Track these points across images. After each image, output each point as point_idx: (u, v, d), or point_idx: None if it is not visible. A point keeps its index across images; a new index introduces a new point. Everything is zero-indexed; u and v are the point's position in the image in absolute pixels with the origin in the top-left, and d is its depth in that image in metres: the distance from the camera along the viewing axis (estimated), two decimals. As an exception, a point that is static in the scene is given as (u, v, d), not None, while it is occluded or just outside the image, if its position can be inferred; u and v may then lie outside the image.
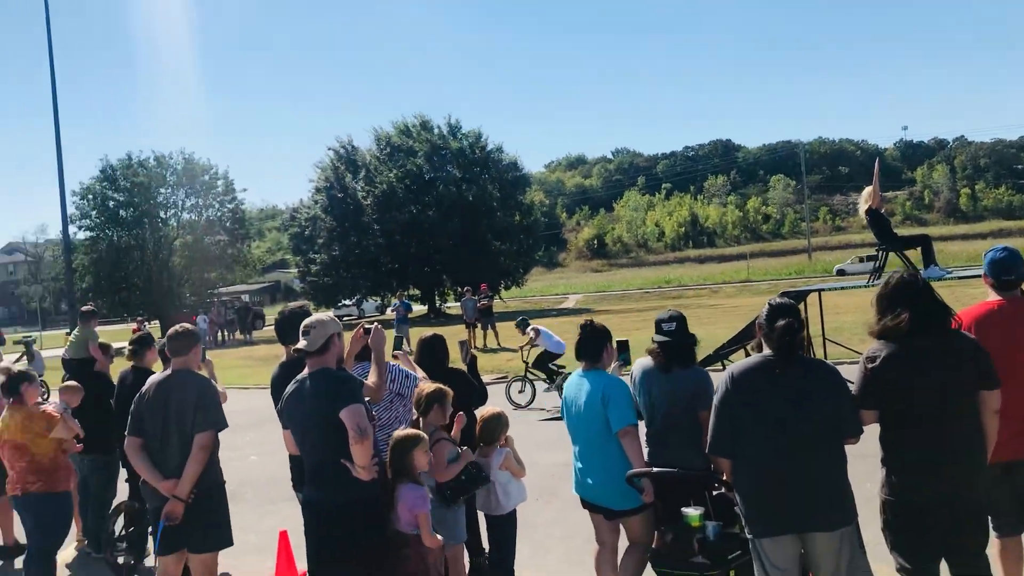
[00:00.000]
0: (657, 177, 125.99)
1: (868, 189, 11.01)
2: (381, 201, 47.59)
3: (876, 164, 12.34)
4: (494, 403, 6.34)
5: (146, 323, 37.45)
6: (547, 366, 14.19)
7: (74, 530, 7.42)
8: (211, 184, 52.71)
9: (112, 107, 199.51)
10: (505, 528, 5.57)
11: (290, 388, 4.68)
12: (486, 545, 5.89)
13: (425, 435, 4.88)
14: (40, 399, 6.31)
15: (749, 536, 3.94)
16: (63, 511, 6.12)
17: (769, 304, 4.06)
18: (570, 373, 13.79)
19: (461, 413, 5.45)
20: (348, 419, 4.31)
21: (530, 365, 14.39)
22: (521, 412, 13.42)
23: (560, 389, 13.50)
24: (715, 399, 4.05)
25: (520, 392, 14.36)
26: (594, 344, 5.09)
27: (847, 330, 16.92)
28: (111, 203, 50.32)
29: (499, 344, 23.94)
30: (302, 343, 4.59)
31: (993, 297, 4.52)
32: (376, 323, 5.36)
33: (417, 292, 49.58)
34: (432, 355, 6.10)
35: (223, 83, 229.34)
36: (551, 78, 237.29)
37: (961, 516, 3.83)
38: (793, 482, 3.79)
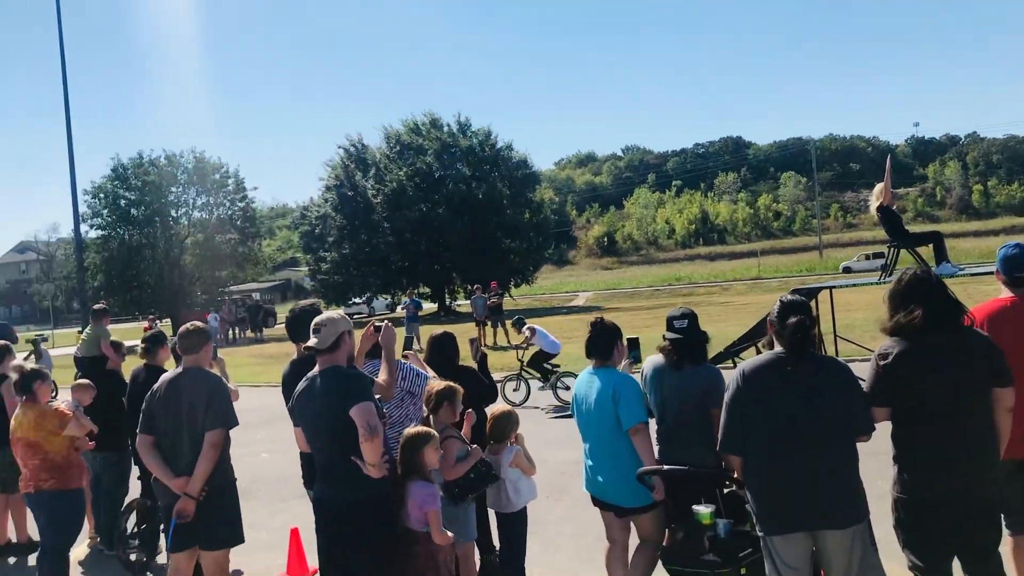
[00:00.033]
0: (667, 174, 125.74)
1: (879, 186, 10.97)
2: (391, 199, 47.64)
3: (888, 161, 12.30)
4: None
5: (157, 321, 37.61)
6: (542, 365, 14.28)
7: (87, 527, 7.45)
8: (222, 183, 52.87)
9: (123, 106, 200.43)
10: (515, 526, 5.57)
11: (301, 386, 4.69)
12: (496, 543, 5.89)
13: (436, 433, 4.88)
14: (49, 397, 6.34)
15: (760, 534, 3.93)
16: (76, 508, 6.15)
17: (780, 301, 4.04)
18: (564, 372, 13.88)
19: (470, 411, 5.45)
20: (358, 417, 4.32)
21: (525, 364, 14.48)
22: (532, 410, 13.40)
23: (555, 388, 13.63)
24: (726, 396, 4.04)
25: (515, 391, 14.43)
26: (604, 342, 5.09)
27: (858, 327, 16.86)
28: (122, 202, 50.53)
29: (509, 342, 23.92)
30: (313, 341, 4.60)
31: (1006, 294, 4.50)
32: (387, 321, 5.37)
33: (427, 290, 49.63)
34: (442, 353, 6.11)
35: (233, 82, 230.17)
36: (561, 75, 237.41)
37: (974, 514, 3.82)
38: (804, 480, 3.78)
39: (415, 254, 47.25)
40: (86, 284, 38.76)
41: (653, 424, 5.03)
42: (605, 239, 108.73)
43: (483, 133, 51.31)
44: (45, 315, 79.58)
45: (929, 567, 3.88)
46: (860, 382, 3.93)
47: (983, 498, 3.83)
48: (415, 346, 20.41)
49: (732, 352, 13.22)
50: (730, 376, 4.13)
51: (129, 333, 29.55)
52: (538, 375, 14.28)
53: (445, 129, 51.20)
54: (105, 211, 50.20)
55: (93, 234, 50.41)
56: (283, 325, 7.16)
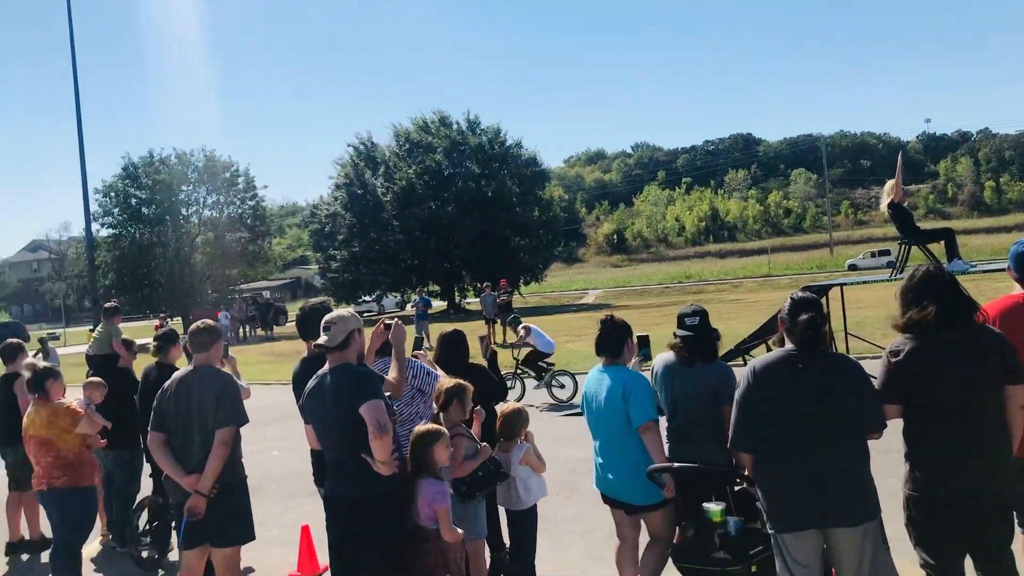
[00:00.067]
0: (677, 171, 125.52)
1: (890, 183, 10.92)
2: (400, 197, 47.73)
3: (899, 157, 12.26)
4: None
5: (168, 319, 37.75)
6: (536, 364, 14.39)
7: (99, 525, 7.49)
8: (232, 181, 53.02)
9: (133, 106, 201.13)
10: (526, 523, 5.57)
11: (311, 384, 4.71)
12: (507, 540, 5.90)
13: (445, 430, 4.89)
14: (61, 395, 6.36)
15: (771, 531, 3.92)
16: (88, 506, 6.18)
17: (791, 298, 4.03)
18: (559, 371, 13.90)
19: (479, 408, 5.45)
20: (367, 414, 4.33)
21: (520, 362, 14.57)
22: (542, 409, 13.41)
23: (549, 386, 13.67)
24: (737, 394, 4.02)
25: (510, 388, 14.47)
26: (614, 339, 5.08)
27: (869, 324, 16.80)
28: (133, 200, 50.74)
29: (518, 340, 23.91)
30: (323, 339, 4.61)
31: (1018, 291, 4.48)
32: (396, 319, 5.38)
33: (437, 288, 49.70)
34: (452, 350, 6.11)
35: (243, 82, 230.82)
36: (570, 73, 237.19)
37: (986, 511, 3.80)
38: (815, 477, 3.77)
39: (425, 252, 47.32)
40: (97, 282, 38.92)
41: (663, 422, 5.02)
42: (615, 237, 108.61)
43: (492, 131, 51.32)
44: (57, 313, 79.98)
45: (941, 565, 3.86)
46: (871, 379, 3.92)
47: (995, 495, 3.81)
48: (425, 344, 20.44)
49: (742, 350, 13.19)
50: (741, 374, 4.12)
51: (140, 331, 29.67)
52: (533, 373, 14.37)
53: (454, 127, 51.23)
54: (116, 210, 50.42)
55: (104, 233, 50.69)
56: (294, 323, 7.18)
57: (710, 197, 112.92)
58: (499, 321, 25.01)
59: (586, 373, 5.35)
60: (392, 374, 4.99)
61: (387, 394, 4.73)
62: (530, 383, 14.41)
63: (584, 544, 6.72)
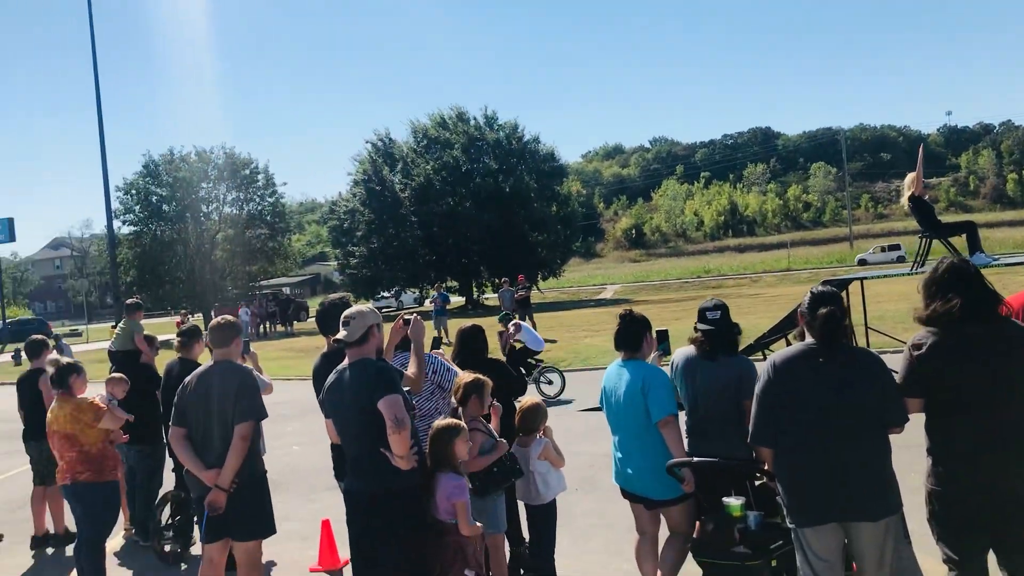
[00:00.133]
0: (696, 166, 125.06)
1: (911, 176, 10.82)
2: (418, 193, 47.83)
3: (920, 150, 12.14)
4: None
5: (190, 316, 38.00)
6: (526, 361, 14.42)
7: (122, 519, 7.57)
8: (252, 178, 53.22)
9: (154, 104, 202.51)
10: (545, 518, 5.58)
11: (331, 378, 4.73)
12: (526, 535, 5.91)
13: (465, 425, 4.90)
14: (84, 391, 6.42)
15: (791, 526, 3.91)
16: (111, 500, 6.24)
17: (811, 292, 4.02)
18: (546, 367, 13.90)
19: (497, 403, 5.45)
20: (386, 409, 4.34)
21: (507, 358, 14.61)
22: (562, 404, 13.42)
23: (537, 382, 13.71)
24: (757, 388, 4.01)
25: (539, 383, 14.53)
26: (633, 334, 5.07)
27: (889, 318, 16.69)
28: (154, 198, 51.04)
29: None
30: (342, 334, 4.63)
31: (1042, 283, 4.43)
32: (415, 314, 5.39)
33: (455, 284, 49.77)
34: (471, 345, 6.12)
35: (263, 80, 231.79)
36: (588, 68, 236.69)
37: (1010, 506, 3.76)
38: (836, 471, 3.76)
39: (443, 248, 47.42)
40: (119, 279, 39.28)
41: (682, 416, 5.01)
42: (633, 231, 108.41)
43: (510, 126, 51.32)
44: (79, 310, 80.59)
45: (964, 560, 3.83)
46: (892, 373, 3.90)
47: (1020, 490, 3.77)
48: (444, 341, 20.48)
49: (762, 344, 13.11)
50: (761, 368, 4.11)
51: (162, 327, 29.89)
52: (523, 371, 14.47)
53: (472, 123, 51.26)
54: (137, 207, 50.72)
55: (125, 230, 51.01)
56: (314, 319, 7.22)
57: (729, 191, 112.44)
58: (517, 316, 25.01)
59: (605, 368, 5.34)
60: (411, 369, 5.00)
61: (406, 389, 4.74)
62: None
63: (603, 539, 6.72)
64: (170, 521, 7.12)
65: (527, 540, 5.90)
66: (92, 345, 39.14)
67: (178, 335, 7.26)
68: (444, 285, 41.21)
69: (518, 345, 14.52)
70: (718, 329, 4.90)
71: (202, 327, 6.86)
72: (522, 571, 5.93)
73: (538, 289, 48.57)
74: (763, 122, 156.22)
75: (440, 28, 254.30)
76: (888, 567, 3.84)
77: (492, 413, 5.40)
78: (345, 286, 52.30)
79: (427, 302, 42.95)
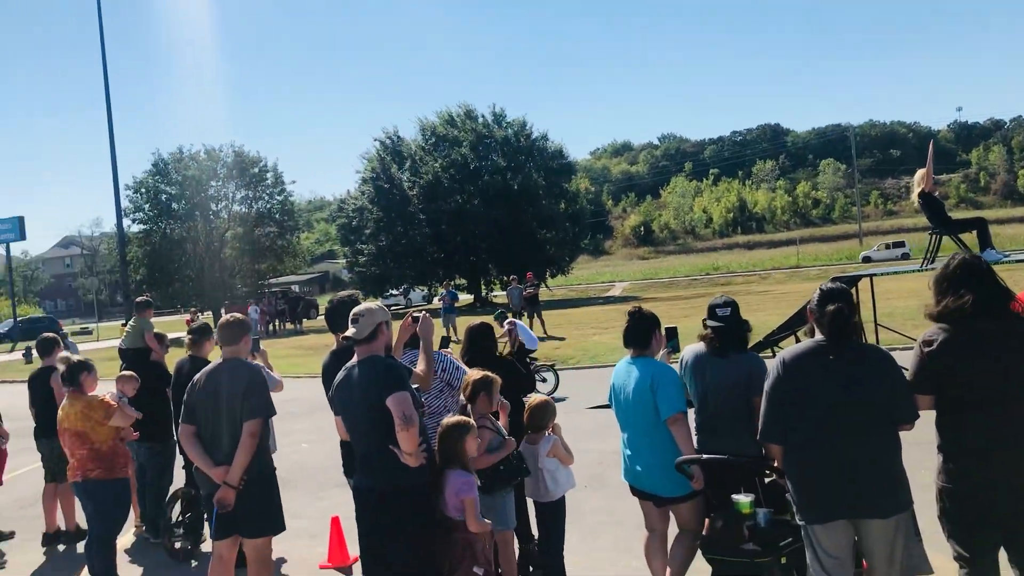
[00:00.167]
0: (704, 162, 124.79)
1: (921, 172, 10.77)
2: (427, 191, 47.84)
3: (930, 146, 12.08)
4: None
5: (199, 314, 38.14)
6: (523, 359, 14.45)
7: (133, 516, 7.60)
8: (261, 176, 53.38)
9: (163, 103, 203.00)
10: (554, 515, 5.58)
11: (339, 375, 4.74)
12: (535, 532, 5.91)
13: (474, 423, 4.91)
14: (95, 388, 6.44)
15: (801, 523, 3.91)
16: (121, 497, 6.26)
17: (820, 289, 4.01)
18: (540, 365, 13.90)
19: (504, 401, 5.45)
20: (394, 407, 4.35)
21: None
22: (571, 402, 13.42)
23: None
24: (766, 385, 4.00)
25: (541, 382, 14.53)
26: (642, 331, 5.06)
27: (899, 315, 16.64)
28: (163, 196, 51.26)
29: (545, 333, 23.96)
30: (351, 331, 4.64)
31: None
32: (424, 311, 5.40)
33: (463, 281, 49.77)
34: (480, 343, 6.13)
35: (271, 78, 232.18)
36: (596, 64, 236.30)
37: (1022, 503, 3.75)
38: (845, 468, 3.75)
39: (451, 245, 47.44)
40: (129, 277, 39.40)
41: (692, 413, 5.01)
42: (642, 229, 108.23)
43: (518, 124, 51.27)
44: (89, 308, 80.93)
45: (975, 558, 3.82)
46: (903, 370, 3.89)
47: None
48: (452, 339, 20.49)
49: (772, 341, 13.09)
50: (771, 365, 4.10)
51: (171, 326, 29.99)
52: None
53: (480, 120, 51.22)
54: (147, 205, 50.94)
55: (135, 228, 51.24)
56: (323, 316, 7.24)
57: (738, 188, 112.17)
58: (526, 314, 25.04)
59: (613, 366, 5.34)
60: (420, 367, 5.01)
61: (415, 386, 4.75)
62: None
63: (612, 536, 6.72)
64: (180, 518, 7.14)
65: (536, 537, 5.90)
66: (102, 343, 39.29)
67: (189, 333, 7.29)
68: (452, 283, 41.20)
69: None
70: (728, 326, 4.89)
71: (212, 325, 6.89)
72: (531, 568, 5.94)
73: (547, 286, 48.60)
74: (772, 119, 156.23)
75: (447, 26, 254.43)
76: (898, 564, 3.84)
77: (500, 410, 5.41)
78: (354, 284, 52.41)
79: (435, 300, 42.93)
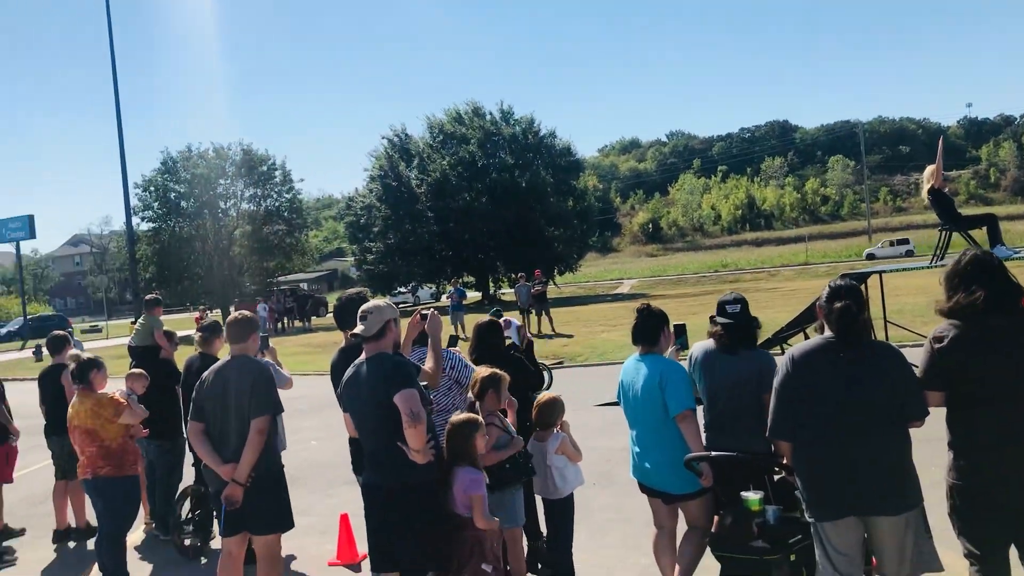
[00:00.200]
0: (713, 159, 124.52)
1: (930, 168, 10.72)
2: (435, 189, 47.84)
3: (940, 142, 12.04)
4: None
5: (208, 312, 38.27)
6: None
7: (142, 513, 7.62)
8: (269, 175, 53.47)
9: (171, 101, 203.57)
10: (562, 512, 5.57)
11: (348, 372, 4.75)
12: (544, 529, 5.91)
13: (482, 420, 4.91)
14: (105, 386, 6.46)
15: (811, 520, 3.90)
16: (131, 494, 6.28)
17: (829, 286, 4.00)
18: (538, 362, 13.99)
19: (512, 398, 5.45)
20: (401, 403, 4.36)
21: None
22: (579, 399, 13.41)
23: None
24: (775, 381, 3.99)
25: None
26: (651, 328, 5.05)
27: (908, 312, 16.59)
28: (172, 194, 51.41)
29: (553, 330, 23.96)
30: (359, 328, 4.64)
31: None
32: (433, 309, 5.40)
33: (471, 279, 49.77)
34: (488, 340, 6.13)
35: (279, 76, 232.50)
36: (604, 62, 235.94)
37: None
38: (854, 465, 3.74)
39: (459, 243, 47.42)
40: (138, 275, 39.56)
41: (700, 410, 4.99)
42: (650, 226, 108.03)
43: (526, 121, 51.20)
44: (99, 306, 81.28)
45: (985, 555, 3.80)
46: (913, 367, 3.87)
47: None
48: (460, 337, 20.51)
49: (780, 338, 13.07)
50: (780, 361, 4.09)
51: (181, 323, 30.10)
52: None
53: (488, 118, 51.16)
54: (156, 204, 51.09)
55: (144, 226, 51.41)
56: (331, 314, 7.26)
57: (746, 185, 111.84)
58: (534, 311, 25.04)
59: (622, 363, 5.33)
60: (428, 364, 5.02)
61: (423, 384, 4.76)
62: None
63: (621, 533, 6.72)
64: (190, 515, 7.17)
65: (545, 534, 5.90)
66: (112, 341, 39.45)
67: (199, 330, 7.31)
68: (461, 280, 41.26)
69: (509, 341, 14.62)
70: (738, 322, 4.88)
71: (222, 323, 6.91)
72: (540, 565, 5.94)
73: (555, 284, 48.53)
74: (780, 115, 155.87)
75: (456, 24, 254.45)
76: (908, 562, 3.82)
77: (508, 408, 5.41)
78: (362, 282, 52.47)
79: (444, 297, 42.99)
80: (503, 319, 10.82)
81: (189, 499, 7.18)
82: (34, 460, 10.46)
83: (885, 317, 13.43)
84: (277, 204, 54.08)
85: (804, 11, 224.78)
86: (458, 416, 4.90)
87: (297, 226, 55.30)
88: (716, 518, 4.68)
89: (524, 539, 5.63)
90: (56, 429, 7.48)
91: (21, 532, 8.12)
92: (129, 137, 47.45)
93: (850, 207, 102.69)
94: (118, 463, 6.10)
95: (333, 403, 5.26)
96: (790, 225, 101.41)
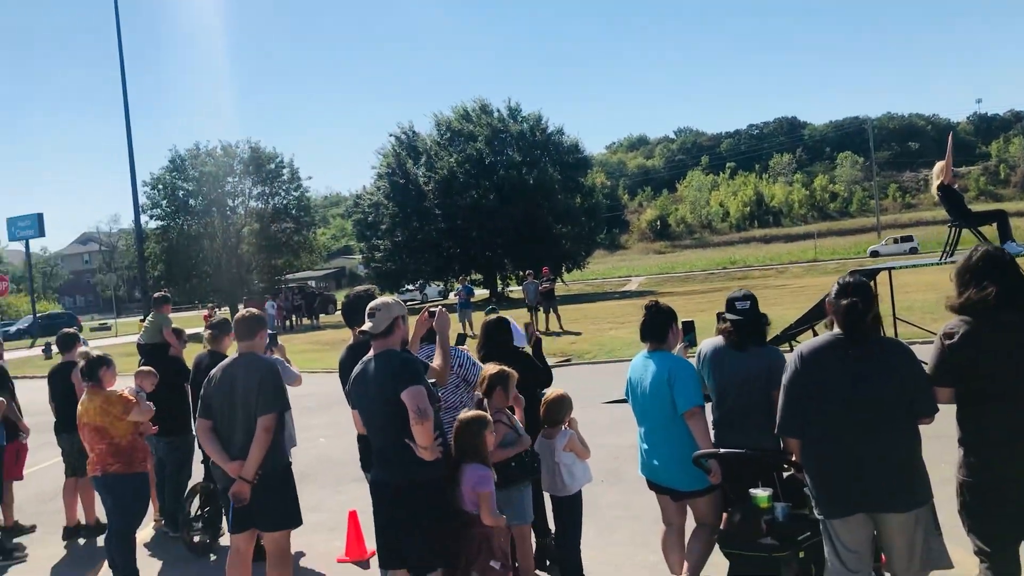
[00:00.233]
0: (721, 156, 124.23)
1: (940, 164, 10.69)
2: (442, 186, 47.83)
3: (949, 138, 12.00)
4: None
5: (217, 310, 38.39)
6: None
7: (152, 510, 7.65)
8: (277, 172, 53.54)
9: (179, 100, 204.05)
10: (571, 509, 5.57)
11: (356, 369, 4.76)
12: (552, 526, 5.91)
13: (490, 417, 4.91)
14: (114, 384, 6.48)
15: (820, 517, 3.89)
16: (140, 491, 6.31)
17: (839, 282, 3.98)
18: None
19: (519, 395, 5.44)
20: (408, 400, 4.37)
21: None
22: (587, 396, 13.40)
23: None
24: (784, 378, 3.98)
25: None
26: (659, 325, 5.04)
27: (917, 309, 16.54)
28: (180, 192, 51.52)
29: (561, 328, 23.95)
30: (367, 325, 4.65)
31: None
32: (440, 306, 5.40)
33: (479, 276, 49.77)
34: (496, 338, 6.12)
35: (287, 74, 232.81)
36: (611, 59, 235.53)
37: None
38: (863, 462, 3.73)
39: (467, 241, 47.40)
40: (147, 273, 39.74)
41: (709, 407, 4.98)
42: (658, 223, 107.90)
43: (533, 118, 51.17)
44: (108, 304, 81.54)
45: (996, 552, 3.79)
46: (922, 364, 3.86)
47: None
48: (468, 335, 20.52)
49: (789, 335, 13.03)
50: (789, 358, 4.08)
51: (189, 321, 30.18)
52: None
53: (495, 115, 51.13)
54: (164, 202, 51.22)
55: (153, 224, 51.54)
56: (340, 311, 7.27)
57: (754, 182, 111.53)
58: (542, 309, 25.03)
59: (630, 360, 5.32)
60: (436, 361, 5.02)
61: (431, 381, 4.76)
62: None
63: (629, 530, 6.71)
64: (199, 512, 7.19)
65: (553, 531, 5.90)
66: (121, 339, 39.58)
67: (208, 328, 7.33)
68: (468, 278, 41.26)
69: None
70: (747, 319, 4.86)
71: (230, 320, 6.92)
72: (548, 562, 5.95)
73: (563, 281, 48.52)
74: (789, 111, 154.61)
75: (463, 21, 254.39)
76: (918, 559, 3.81)
77: (515, 405, 5.40)
78: (370, 279, 52.47)
79: (451, 295, 42.99)
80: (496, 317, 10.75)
81: (198, 496, 7.20)
82: (44, 457, 10.51)
83: (894, 314, 13.39)
84: (285, 202, 54.15)
85: (812, 7, 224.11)
86: (466, 413, 4.91)
87: (305, 224, 55.37)
88: (725, 515, 4.68)
89: (532, 536, 5.63)
90: (66, 426, 7.51)
91: (31, 529, 8.16)
92: (137, 136, 47.61)
93: (859, 204, 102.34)
94: (127, 460, 6.12)
95: (342, 400, 5.26)
96: (799, 222, 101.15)
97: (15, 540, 7.78)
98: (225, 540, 6.88)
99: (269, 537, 5.33)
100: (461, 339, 6.38)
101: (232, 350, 5.84)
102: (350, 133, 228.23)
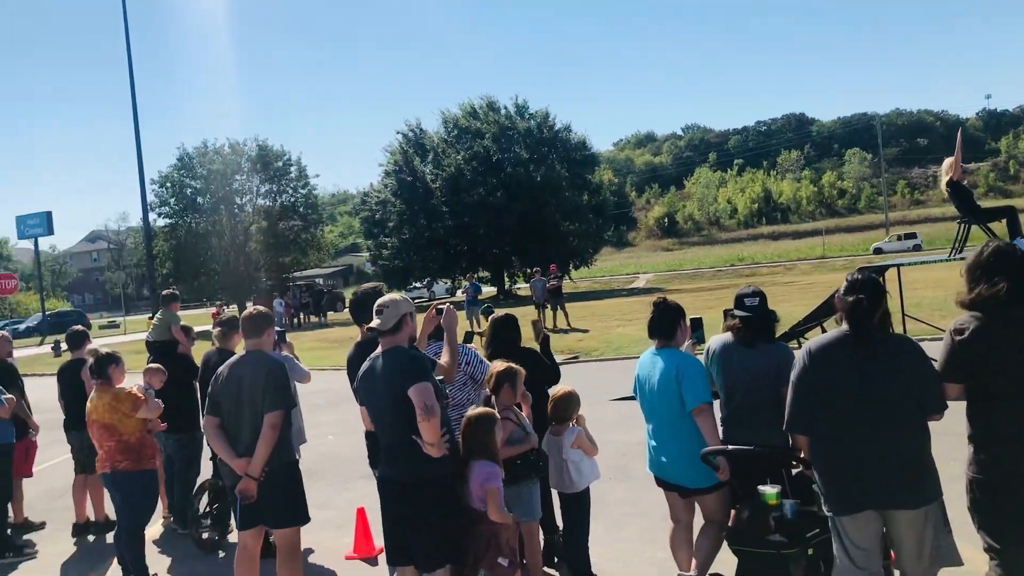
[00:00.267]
0: (729, 153, 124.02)
1: (949, 160, 10.65)
2: (449, 183, 47.80)
3: (958, 134, 11.95)
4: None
5: (225, 307, 38.48)
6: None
7: (161, 507, 7.67)
8: (284, 170, 53.54)
9: (187, 98, 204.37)
10: (579, 506, 5.57)
11: (364, 366, 4.76)
12: (560, 523, 5.91)
13: (497, 414, 4.91)
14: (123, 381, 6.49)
15: (829, 514, 3.88)
16: (149, 488, 6.32)
17: (848, 279, 3.97)
18: None
19: (526, 393, 5.43)
20: (415, 397, 4.37)
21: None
22: (595, 394, 13.39)
23: None
24: (792, 375, 3.97)
25: None
26: (667, 321, 5.04)
27: (926, 305, 16.48)
28: (188, 190, 51.57)
29: (569, 325, 23.93)
30: (375, 322, 4.65)
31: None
32: (448, 303, 5.40)
33: (487, 274, 49.72)
34: (503, 335, 6.11)
35: (294, 72, 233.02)
36: (619, 55, 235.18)
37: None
38: (872, 459, 3.72)
39: (474, 238, 47.37)
40: (155, 271, 39.78)
41: (717, 404, 4.97)
42: (665, 220, 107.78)
43: (541, 115, 51.07)
44: (116, 302, 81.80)
45: (1006, 549, 3.77)
46: (931, 361, 3.84)
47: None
48: (476, 332, 20.54)
49: (797, 332, 13.00)
50: (798, 355, 4.07)
51: (198, 319, 30.24)
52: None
53: (502, 112, 51.03)
54: (172, 200, 51.27)
55: (161, 222, 51.58)
56: (348, 309, 7.28)
57: (762, 178, 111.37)
58: (549, 306, 25.01)
59: (638, 357, 5.31)
60: (444, 358, 5.02)
61: (439, 378, 4.75)
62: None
63: (637, 527, 6.70)
64: (208, 509, 7.21)
65: (561, 528, 5.90)
66: (129, 336, 39.71)
67: (216, 325, 7.34)
68: (476, 275, 41.25)
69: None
70: (756, 315, 4.85)
71: (239, 318, 6.93)
72: (556, 559, 5.94)
73: (570, 278, 48.46)
74: (797, 108, 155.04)
75: (471, 18, 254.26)
76: (927, 556, 3.80)
77: (522, 403, 5.40)
78: (377, 277, 52.45)
79: (459, 292, 42.99)
80: (493, 316, 10.79)
81: (207, 493, 7.22)
82: (53, 455, 10.54)
83: (903, 311, 13.34)
84: (293, 200, 54.14)
85: (818, 6, 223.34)
86: (474, 410, 4.90)
87: (312, 221, 55.37)
88: (733, 512, 4.67)
89: (540, 533, 5.63)
90: (75, 424, 7.53)
91: (41, 526, 8.19)
92: (145, 134, 47.68)
93: (867, 200, 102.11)
94: (136, 457, 6.13)
95: (350, 397, 5.27)
96: (807, 219, 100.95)
97: (25, 537, 7.81)
98: (233, 537, 6.90)
99: (279, 534, 5.34)
100: (468, 337, 6.38)
101: (241, 348, 5.85)
102: (357, 131, 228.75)
